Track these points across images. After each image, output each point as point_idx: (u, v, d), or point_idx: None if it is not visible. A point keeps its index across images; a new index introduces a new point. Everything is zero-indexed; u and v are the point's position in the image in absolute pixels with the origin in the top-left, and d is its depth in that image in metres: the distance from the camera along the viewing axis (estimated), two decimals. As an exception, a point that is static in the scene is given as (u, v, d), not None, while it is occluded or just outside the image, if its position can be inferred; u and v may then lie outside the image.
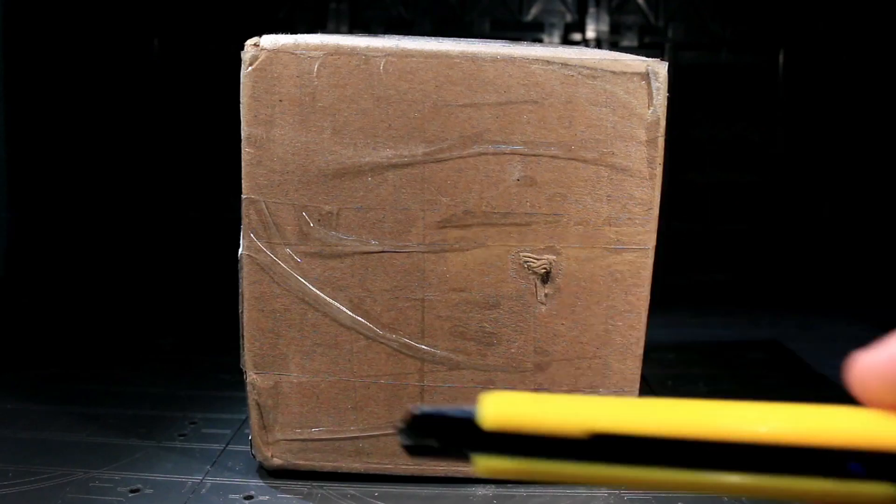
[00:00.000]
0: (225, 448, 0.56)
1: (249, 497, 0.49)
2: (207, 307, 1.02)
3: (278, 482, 0.51)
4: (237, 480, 0.51)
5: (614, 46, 1.08)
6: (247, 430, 0.59)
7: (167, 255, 1.13)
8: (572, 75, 0.47)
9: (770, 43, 1.09)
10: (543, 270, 0.49)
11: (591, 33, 1.08)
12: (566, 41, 1.09)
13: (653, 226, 0.49)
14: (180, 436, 0.58)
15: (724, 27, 1.09)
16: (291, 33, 0.47)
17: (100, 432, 0.58)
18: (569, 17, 1.10)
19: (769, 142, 1.11)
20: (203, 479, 0.51)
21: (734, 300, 1.09)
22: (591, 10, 1.08)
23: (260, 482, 0.51)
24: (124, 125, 1.11)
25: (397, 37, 0.50)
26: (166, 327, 0.91)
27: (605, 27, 1.08)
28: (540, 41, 1.09)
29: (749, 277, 1.12)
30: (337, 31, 1.09)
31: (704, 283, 1.12)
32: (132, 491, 0.49)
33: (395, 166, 0.48)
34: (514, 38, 0.52)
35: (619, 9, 1.09)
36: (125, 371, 0.73)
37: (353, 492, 0.49)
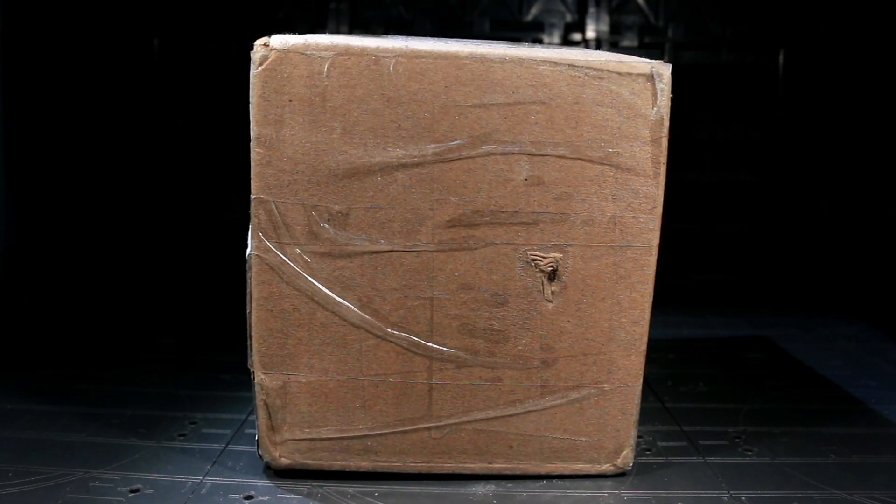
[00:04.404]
0: (225, 448, 0.56)
1: (249, 497, 0.49)
2: (208, 307, 1.02)
3: (279, 482, 0.51)
4: (237, 480, 0.51)
5: (614, 46, 1.09)
6: (247, 430, 0.59)
7: (167, 255, 1.14)
8: (579, 76, 0.48)
9: (770, 43, 1.10)
10: (550, 268, 0.49)
11: (591, 33, 1.09)
12: (566, 41, 1.10)
13: (657, 223, 0.50)
14: (180, 436, 0.58)
15: (724, 27, 1.10)
16: (291, 33, 0.47)
17: (100, 432, 0.58)
18: (569, 17, 1.10)
19: (769, 141, 1.12)
20: (203, 479, 0.51)
21: (734, 300, 1.10)
22: (591, 10, 1.09)
23: (260, 482, 0.51)
24: (124, 125, 1.11)
25: (405, 37, 0.50)
26: (167, 327, 0.91)
27: (605, 27, 1.09)
28: (540, 41, 1.09)
29: (749, 277, 1.13)
30: (337, 31, 1.10)
31: (704, 282, 1.12)
32: (132, 491, 0.49)
33: (404, 166, 0.48)
34: (514, 38, 0.52)
35: (619, 9, 1.10)
36: (125, 371, 0.73)
37: (353, 491, 0.50)
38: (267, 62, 0.47)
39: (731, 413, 0.65)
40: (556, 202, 0.49)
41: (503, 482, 0.51)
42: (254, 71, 0.47)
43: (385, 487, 0.50)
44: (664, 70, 0.48)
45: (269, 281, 0.49)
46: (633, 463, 0.53)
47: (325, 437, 0.51)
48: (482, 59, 0.47)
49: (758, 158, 1.12)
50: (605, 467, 0.52)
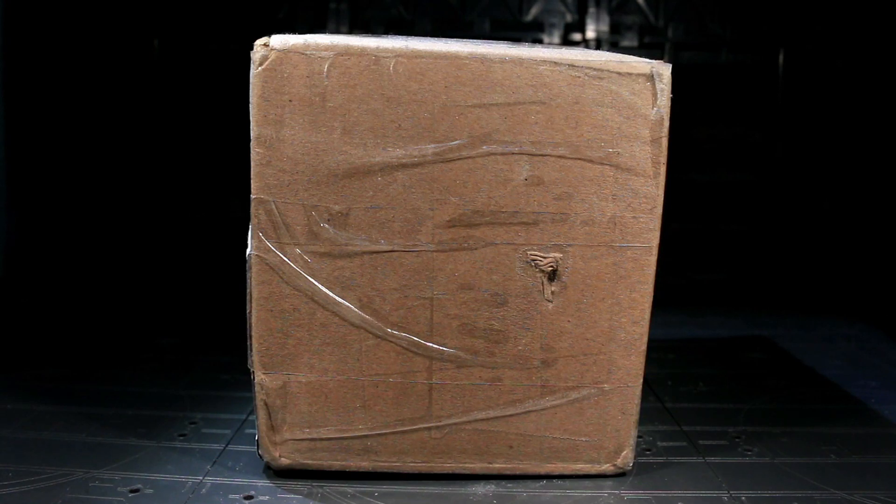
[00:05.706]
0: (225, 448, 0.56)
1: (250, 497, 0.49)
2: (207, 307, 1.02)
3: (279, 482, 0.51)
4: (237, 480, 0.51)
5: (614, 46, 1.09)
6: (247, 430, 0.59)
7: (167, 255, 1.14)
8: (579, 76, 0.48)
9: (770, 43, 1.10)
10: (550, 268, 0.49)
11: (591, 33, 1.09)
12: (566, 41, 1.10)
13: (657, 223, 0.50)
14: (180, 436, 0.58)
15: (724, 27, 1.10)
16: (291, 33, 0.47)
17: (100, 432, 0.58)
18: (569, 17, 1.10)
19: (768, 142, 1.12)
20: (203, 479, 0.51)
21: (734, 300, 1.10)
22: (591, 10, 1.09)
23: (260, 482, 0.51)
24: (124, 125, 1.11)
25: (405, 37, 0.50)
26: (167, 327, 0.91)
27: (605, 27, 1.09)
28: (540, 41, 1.09)
29: (748, 277, 1.13)
30: (337, 31, 1.10)
31: (704, 282, 1.12)
32: (132, 491, 0.49)
33: (404, 166, 0.48)
34: (514, 38, 0.53)
35: (619, 9, 1.10)
36: (125, 371, 0.73)
37: (353, 491, 0.50)
38: (267, 62, 0.47)
39: (731, 413, 0.65)
40: (556, 202, 0.49)
41: (503, 482, 0.51)
42: (254, 71, 0.47)
43: (385, 487, 0.50)
44: (664, 70, 0.48)
45: (269, 281, 0.49)
46: (633, 463, 0.53)
47: (325, 437, 0.51)
48: (482, 59, 0.47)
49: (758, 158, 1.12)
50: (605, 467, 0.52)
